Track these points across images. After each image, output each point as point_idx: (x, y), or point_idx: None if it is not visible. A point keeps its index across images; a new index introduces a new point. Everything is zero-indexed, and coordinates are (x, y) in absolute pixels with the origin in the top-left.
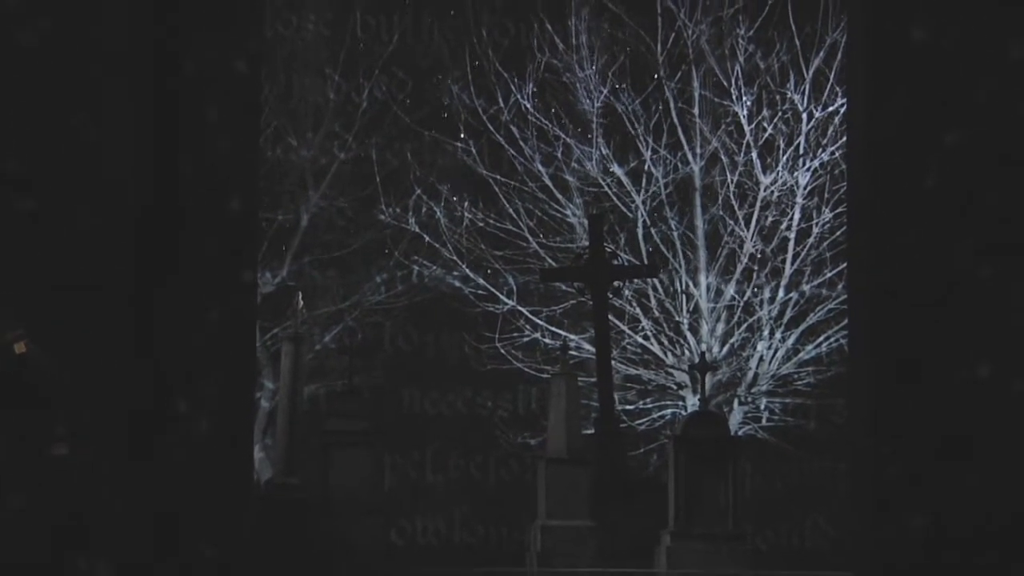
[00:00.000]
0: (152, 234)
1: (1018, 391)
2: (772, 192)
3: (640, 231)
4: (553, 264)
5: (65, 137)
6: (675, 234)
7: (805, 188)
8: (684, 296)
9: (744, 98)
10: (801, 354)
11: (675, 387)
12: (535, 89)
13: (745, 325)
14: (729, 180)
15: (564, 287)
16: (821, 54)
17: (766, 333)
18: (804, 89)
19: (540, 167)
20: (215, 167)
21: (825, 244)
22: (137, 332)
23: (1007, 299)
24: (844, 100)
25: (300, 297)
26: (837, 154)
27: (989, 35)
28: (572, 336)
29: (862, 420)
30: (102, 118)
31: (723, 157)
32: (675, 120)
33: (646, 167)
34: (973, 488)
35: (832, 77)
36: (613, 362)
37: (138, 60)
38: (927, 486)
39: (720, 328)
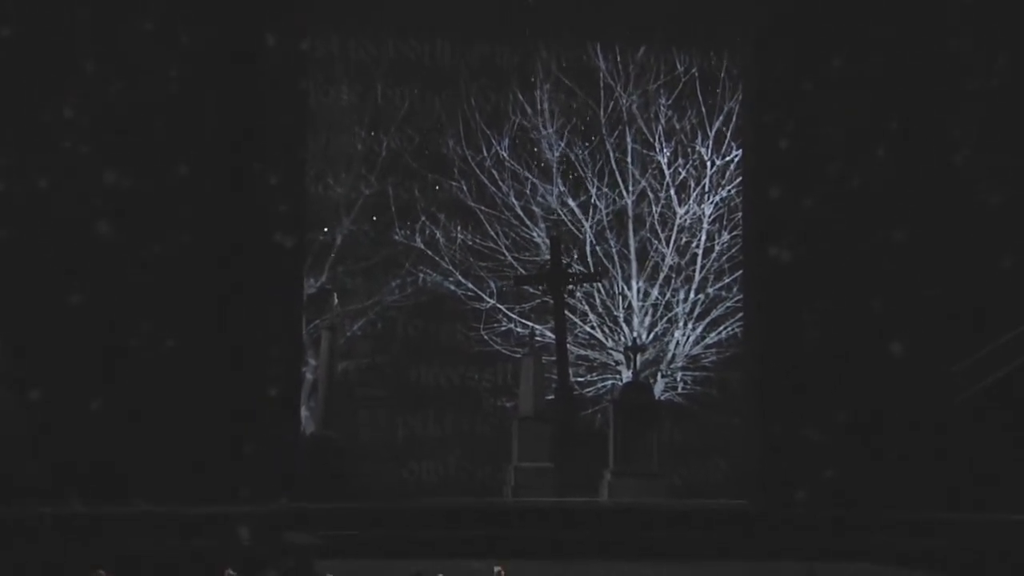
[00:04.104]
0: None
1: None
2: (685, 220)
3: (588, 248)
4: (523, 272)
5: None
6: (614, 250)
7: (709, 217)
8: (620, 296)
9: (664, 150)
10: (707, 339)
11: (614, 364)
12: (510, 142)
13: (665, 318)
14: (654, 211)
15: (531, 290)
16: (721, 117)
17: (681, 324)
18: (708, 144)
19: (514, 200)
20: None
21: (724, 258)
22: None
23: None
24: (738, 151)
25: (335, 297)
26: (733, 191)
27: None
28: (538, 326)
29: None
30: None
31: (649, 194)
32: (614, 166)
33: (592, 201)
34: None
35: (728, 135)
36: (568, 345)
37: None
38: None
39: (647, 320)
